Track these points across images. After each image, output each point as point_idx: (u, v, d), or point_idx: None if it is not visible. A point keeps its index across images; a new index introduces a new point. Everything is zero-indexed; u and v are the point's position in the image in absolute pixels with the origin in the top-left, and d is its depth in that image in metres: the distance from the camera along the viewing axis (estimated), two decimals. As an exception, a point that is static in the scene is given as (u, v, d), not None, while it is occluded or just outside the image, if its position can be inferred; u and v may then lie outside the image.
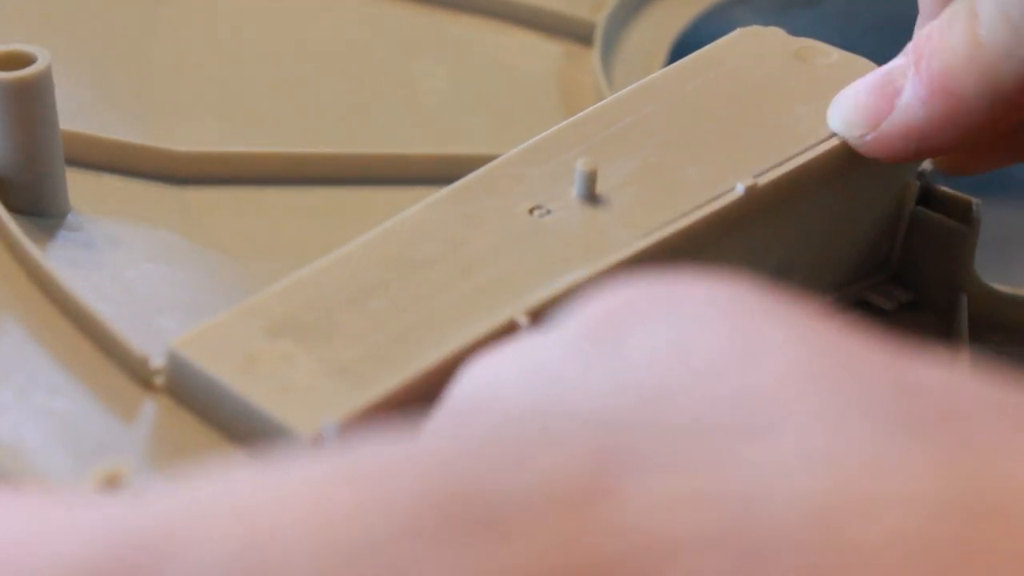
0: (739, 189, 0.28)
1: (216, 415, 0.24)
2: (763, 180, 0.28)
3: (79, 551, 0.16)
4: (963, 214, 0.31)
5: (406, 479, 0.16)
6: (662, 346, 0.18)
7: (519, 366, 0.19)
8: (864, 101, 0.29)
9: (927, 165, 0.31)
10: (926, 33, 0.28)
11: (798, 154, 0.29)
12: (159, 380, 0.26)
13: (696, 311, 0.18)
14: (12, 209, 0.30)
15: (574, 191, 0.28)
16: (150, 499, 0.17)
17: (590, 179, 0.27)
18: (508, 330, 0.25)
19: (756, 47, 0.32)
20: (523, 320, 0.25)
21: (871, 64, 0.31)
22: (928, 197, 0.31)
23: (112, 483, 0.22)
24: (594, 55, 0.39)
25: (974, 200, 0.31)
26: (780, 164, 0.28)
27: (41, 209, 0.31)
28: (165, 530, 0.16)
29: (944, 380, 0.17)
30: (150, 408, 0.25)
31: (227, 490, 0.16)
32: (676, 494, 0.15)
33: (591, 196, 0.27)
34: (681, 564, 0.15)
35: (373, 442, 0.17)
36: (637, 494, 0.15)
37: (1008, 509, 0.15)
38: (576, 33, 0.40)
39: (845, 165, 0.29)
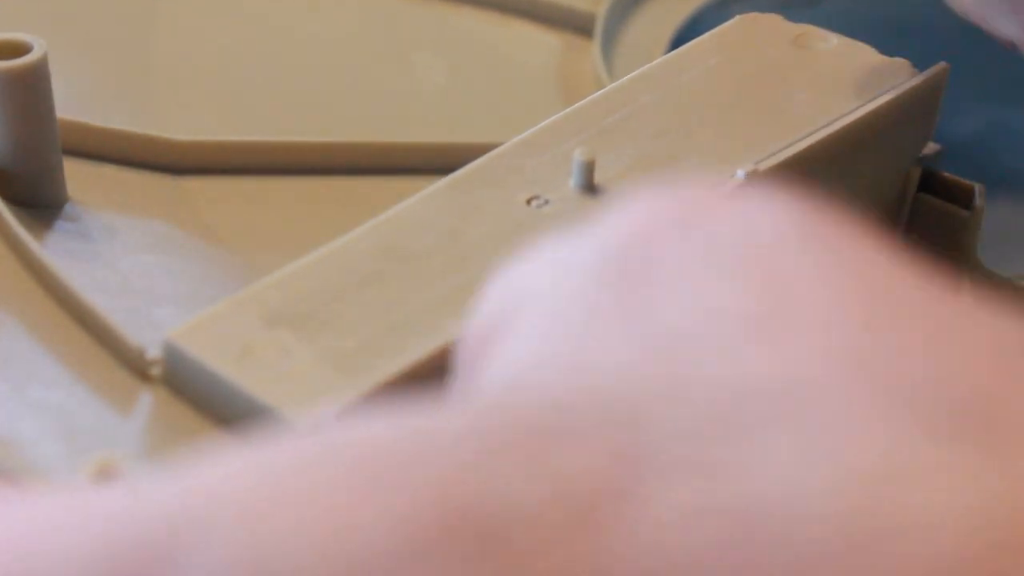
0: (740, 175, 0.27)
1: (213, 406, 0.24)
2: (763, 166, 0.28)
3: (81, 549, 0.16)
4: (965, 200, 0.31)
5: (412, 484, 0.16)
6: (689, 310, 0.17)
7: (539, 332, 0.18)
8: None
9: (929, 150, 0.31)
10: None
11: (799, 140, 0.28)
12: (155, 371, 0.25)
13: (732, 258, 0.17)
14: (9, 199, 0.30)
15: (572, 181, 0.27)
16: (151, 493, 0.17)
17: (588, 169, 0.27)
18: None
19: (755, 34, 0.31)
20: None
21: (871, 50, 0.30)
22: (930, 183, 0.31)
23: (105, 474, 0.22)
24: (594, 47, 0.39)
25: (976, 185, 0.31)
26: (781, 151, 0.28)
27: (38, 199, 0.31)
28: (167, 530, 0.16)
29: (991, 377, 0.16)
30: (147, 399, 0.25)
31: (231, 483, 0.16)
32: (697, 505, 0.15)
33: (589, 186, 0.27)
34: None
35: (383, 425, 0.16)
36: (655, 504, 0.15)
37: None
38: (576, 25, 0.40)
39: (846, 152, 0.29)
